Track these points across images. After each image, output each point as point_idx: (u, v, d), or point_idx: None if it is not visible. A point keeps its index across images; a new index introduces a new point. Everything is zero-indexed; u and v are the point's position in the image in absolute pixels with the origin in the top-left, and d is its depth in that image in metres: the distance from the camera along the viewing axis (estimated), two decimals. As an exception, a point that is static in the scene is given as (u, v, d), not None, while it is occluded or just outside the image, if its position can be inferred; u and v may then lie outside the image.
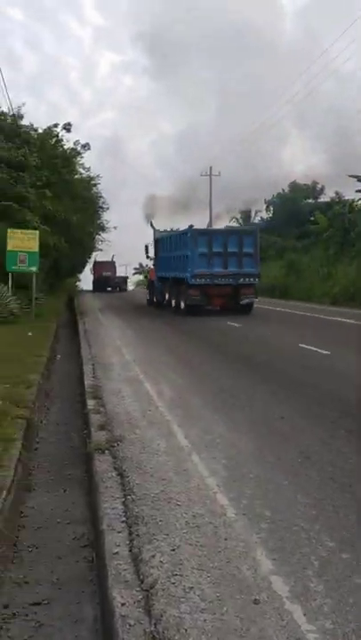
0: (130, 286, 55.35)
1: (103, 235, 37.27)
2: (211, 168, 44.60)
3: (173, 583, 2.84)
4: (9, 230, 17.17)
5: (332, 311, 20.32)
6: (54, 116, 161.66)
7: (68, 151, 27.31)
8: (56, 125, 26.52)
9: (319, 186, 41.24)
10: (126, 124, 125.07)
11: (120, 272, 53.11)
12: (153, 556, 3.10)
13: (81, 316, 19.12)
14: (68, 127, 26.48)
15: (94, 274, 48.96)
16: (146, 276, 33.93)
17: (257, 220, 46.02)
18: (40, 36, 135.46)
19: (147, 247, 26.18)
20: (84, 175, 30.48)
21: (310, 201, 39.73)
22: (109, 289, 46.77)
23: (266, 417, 6.12)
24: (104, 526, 3.52)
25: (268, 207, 43.58)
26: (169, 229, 24.98)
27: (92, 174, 31.27)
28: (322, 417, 6.07)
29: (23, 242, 17.11)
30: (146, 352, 11.44)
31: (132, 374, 8.69)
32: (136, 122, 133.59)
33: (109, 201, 35.34)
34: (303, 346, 11.31)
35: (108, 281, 47.69)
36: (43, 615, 2.99)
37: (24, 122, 24.39)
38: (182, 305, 19.98)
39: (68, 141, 27.27)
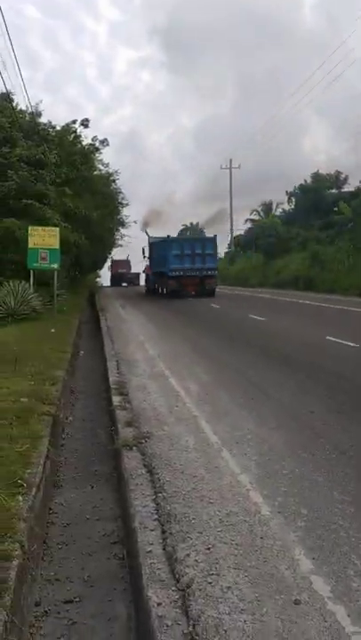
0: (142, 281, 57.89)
1: (123, 230, 37.26)
2: (231, 161, 44.35)
3: (210, 583, 2.76)
4: (30, 228, 17.11)
5: (359, 302, 19.98)
6: (72, 112, 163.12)
7: (87, 147, 27.22)
8: (74, 122, 26.46)
9: (343, 175, 40.31)
10: (144, 120, 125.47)
11: (140, 267, 55.14)
12: (188, 555, 3.02)
13: (102, 312, 19.17)
14: (85, 123, 26.37)
15: (111, 270, 54.00)
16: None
17: (278, 212, 45.62)
18: (56, 33, 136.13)
19: (143, 249, 35.70)
20: (103, 171, 30.37)
21: (334, 191, 38.94)
22: (125, 284, 51.95)
23: (295, 411, 6.00)
24: (136, 524, 3.46)
25: (289, 199, 43.04)
26: (165, 235, 31.38)
27: (110, 170, 31.24)
28: (354, 411, 5.92)
29: (44, 239, 17.07)
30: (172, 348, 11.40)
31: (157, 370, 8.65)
32: (154, 117, 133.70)
33: (128, 196, 35.39)
34: (330, 338, 11.12)
35: (123, 277, 53.19)
36: (75, 613, 2.93)
37: (42, 119, 24.49)
38: (165, 291, 28.83)
39: (87, 138, 27.21)
